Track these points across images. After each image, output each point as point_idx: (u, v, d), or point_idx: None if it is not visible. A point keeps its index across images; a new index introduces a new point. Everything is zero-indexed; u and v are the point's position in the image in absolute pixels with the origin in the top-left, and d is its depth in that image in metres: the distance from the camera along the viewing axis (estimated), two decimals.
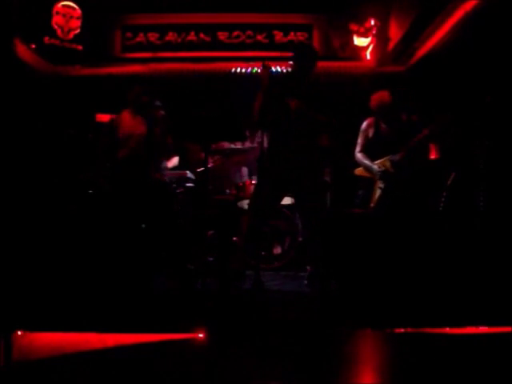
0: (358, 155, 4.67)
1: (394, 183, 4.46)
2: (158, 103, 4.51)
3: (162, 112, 4.52)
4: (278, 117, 3.96)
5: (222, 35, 6.93)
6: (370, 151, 4.62)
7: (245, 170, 5.74)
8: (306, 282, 4.12)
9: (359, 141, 4.69)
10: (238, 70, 6.70)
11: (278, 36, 6.91)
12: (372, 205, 4.52)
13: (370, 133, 4.63)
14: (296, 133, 3.92)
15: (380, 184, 4.50)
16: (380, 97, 4.57)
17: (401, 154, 4.46)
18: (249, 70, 6.73)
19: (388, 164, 4.50)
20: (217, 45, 6.92)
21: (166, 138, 4.54)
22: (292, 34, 6.92)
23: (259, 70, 4.11)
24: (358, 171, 4.71)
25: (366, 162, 4.60)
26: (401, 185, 4.45)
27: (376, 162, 4.55)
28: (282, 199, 4.32)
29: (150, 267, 4.16)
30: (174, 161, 4.92)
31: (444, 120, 4.41)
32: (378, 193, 4.52)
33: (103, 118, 5.57)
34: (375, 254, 4.11)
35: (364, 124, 4.69)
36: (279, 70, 6.18)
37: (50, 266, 3.95)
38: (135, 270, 4.02)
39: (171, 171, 4.89)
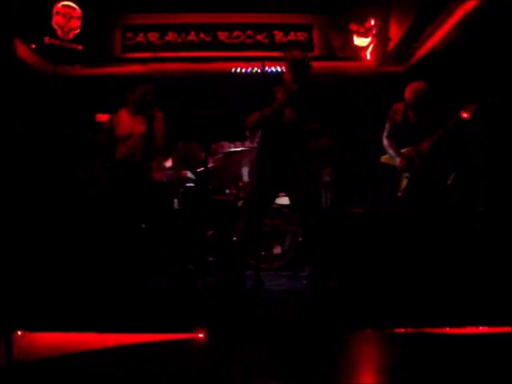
0: (385, 141, 4.55)
1: (419, 174, 4.37)
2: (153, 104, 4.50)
3: (160, 112, 4.51)
4: (270, 122, 3.94)
5: (222, 35, 6.92)
6: (397, 137, 4.49)
7: (245, 170, 5.74)
8: (305, 281, 4.12)
9: (386, 126, 4.56)
10: (238, 69, 6.70)
11: (278, 36, 6.90)
12: (399, 194, 4.45)
13: (398, 118, 4.50)
14: (288, 137, 3.90)
15: (406, 173, 4.42)
16: (418, 87, 4.40)
17: (427, 143, 4.34)
18: (249, 70, 6.73)
19: (413, 153, 4.39)
20: (217, 45, 6.92)
21: (165, 137, 4.53)
22: (292, 33, 6.91)
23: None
24: (384, 158, 4.60)
25: (391, 151, 4.49)
26: (428, 176, 4.38)
27: (402, 151, 4.45)
28: (274, 199, 4.27)
29: (149, 267, 4.16)
30: (168, 161, 4.91)
31: (469, 109, 4.31)
32: (404, 182, 4.44)
33: (103, 118, 5.56)
34: (375, 254, 4.11)
35: (393, 108, 4.55)
36: (279, 69, 6.20)
37: (50, 265, 3.95)
38: (135, 270, 4.02)
39: (171, 171, 4.89)
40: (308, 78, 3.99)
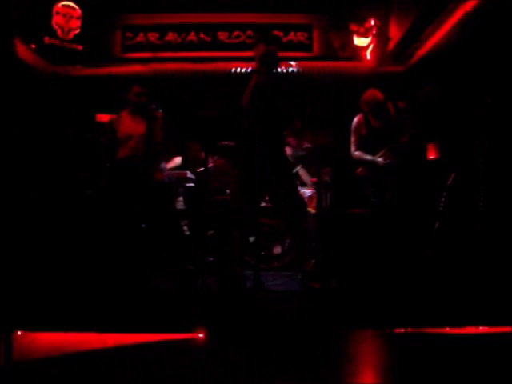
0: (357, 153, 4.59)
1: (400, 172, 4.42)
2: (153, 106, 4.51)
3: (161, 113, 4.53)
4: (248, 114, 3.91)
5: (222, 35, 6.92)
6: (365, 148, 4.56)
7: None
8: (299, 276, 4.11)
9: (353, 140, 4.61)
10: (238, 69, 6.70)
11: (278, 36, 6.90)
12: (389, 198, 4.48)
13: (363, 130, 4.56)
14: (263, 130, 3.81)
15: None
16: (372, 95, 4.48)
17: (400, 141, 4.38)
18: (249, 69, 6.72)
19: (389, 154, 4.43)
20: (217, 45, 6.92)
21: (166, 138, 4.54)
22: (292, 33, 6.92)
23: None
24: (360, 171, 4.64)
25: (368, 157, 4.52)
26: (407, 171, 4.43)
27: (377, 156, 4.49)
28: (259, 199, 4.20)
29: (149, 267, 4.16)
30: (177, 161, 4.92)
31: (428, 94, 4.35)
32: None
33: (103, 117, 5.56)
34: (375, 254, 4.11)
35: (354, 122, 4.62)
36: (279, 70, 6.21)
37: (50, 265, 3.95)
38: (135, 270, 4.02)
39: (171, 171, 4.89)
40: (276, 72, 3.99)
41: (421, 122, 4.37)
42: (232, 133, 4.08)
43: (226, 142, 5.37)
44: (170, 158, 4.82)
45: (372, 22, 6.63)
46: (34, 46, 6.24)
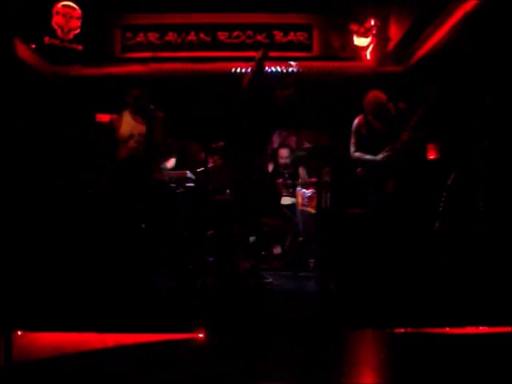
0: (357, 154, 4.55)
1: (400, 172, 4.40)
2: (152, 107, 4.51)
3: (161, 113, 4.53)
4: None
5: (222, 35, 6.92)
6: (366, 149, 4.52)
7: None
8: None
9: (353, 141, 4.58)
10: (238, 69, 6.70)
11: (278, 36, 6.90)
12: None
13: (364, 131, 4.53)
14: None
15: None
16: (375, 97, 4.44)
17: (401, 140, 4.35)
18: (249, 69, 6.72)
19: (391, 153, 4.40)
20: (217, 45, 6.92)
21: (166, 138, 4.54)
22: (292, 34, 6.91)
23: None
24: (360, 171, 4.60)
25: (368, 156, 4.48)
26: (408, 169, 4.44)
27: (378, 155, 4.46)
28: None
29: (150, 267, 4.16)
30: (171, 162, 4.92)
31: (431, 94, 4.32)
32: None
33: (103, 117, 5.56)
34: (375, 254, 4.11)
35: (355, 123, 4.59)
36: (279, 69, 6.25)
37: (50, 265, 3.95)
38: (135, 271, 4.02)
39: (171, 171, 4.88)
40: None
41: (422, 122, 4.35)
42: (232, 133, 4.10)
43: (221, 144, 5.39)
44: (168, 159, 4.81)
45: (372, 22, 6.62)
46: (33, 45, 6.24)
